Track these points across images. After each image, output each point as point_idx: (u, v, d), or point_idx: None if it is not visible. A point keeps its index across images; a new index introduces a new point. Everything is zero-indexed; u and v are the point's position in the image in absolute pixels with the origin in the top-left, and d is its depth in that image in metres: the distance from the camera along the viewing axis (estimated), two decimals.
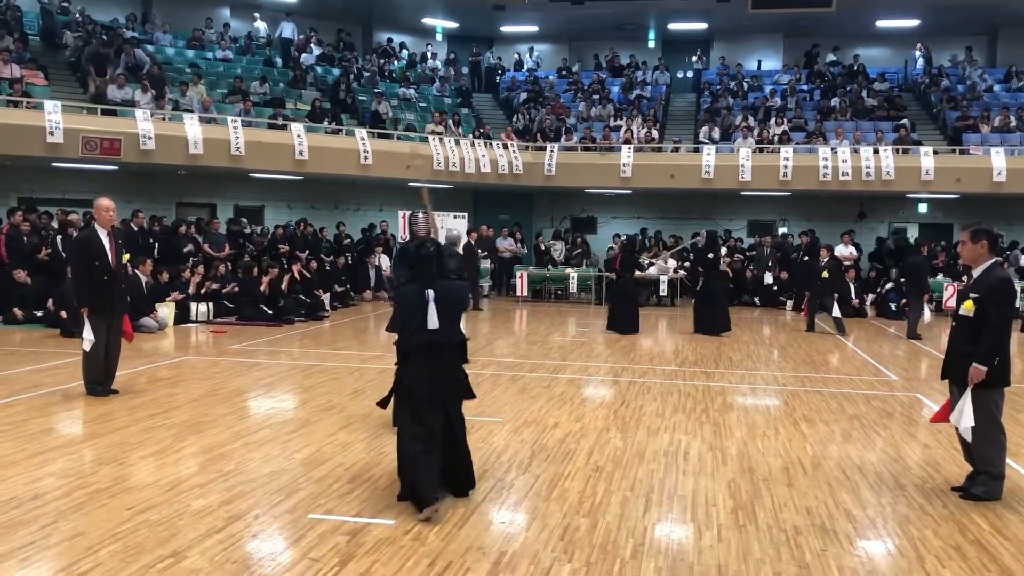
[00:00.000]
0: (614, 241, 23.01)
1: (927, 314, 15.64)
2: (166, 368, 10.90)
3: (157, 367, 10.92)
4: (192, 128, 18.13)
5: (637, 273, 17.66)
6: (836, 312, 15.90)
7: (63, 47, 20.83)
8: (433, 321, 5.69)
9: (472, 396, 5.99)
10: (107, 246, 8.94)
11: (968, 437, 5.94)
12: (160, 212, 19.28)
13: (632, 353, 13.16)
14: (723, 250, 22.12)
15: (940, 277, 20.94)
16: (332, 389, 9.59)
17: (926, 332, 16.27)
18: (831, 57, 27.61)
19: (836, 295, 16.12)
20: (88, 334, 8.79)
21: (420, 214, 6.92)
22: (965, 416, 5.87)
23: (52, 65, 19.96)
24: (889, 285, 20.27)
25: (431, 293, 5.72)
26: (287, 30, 25.43)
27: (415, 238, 6.92)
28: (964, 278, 18.89)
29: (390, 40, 28.23)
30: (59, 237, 15.80)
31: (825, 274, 16.02)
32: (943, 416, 6.28)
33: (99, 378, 8.95)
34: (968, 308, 5.99)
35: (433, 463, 5.57)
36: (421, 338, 5.70)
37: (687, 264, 21.05)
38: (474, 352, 12.93)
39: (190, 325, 15.37)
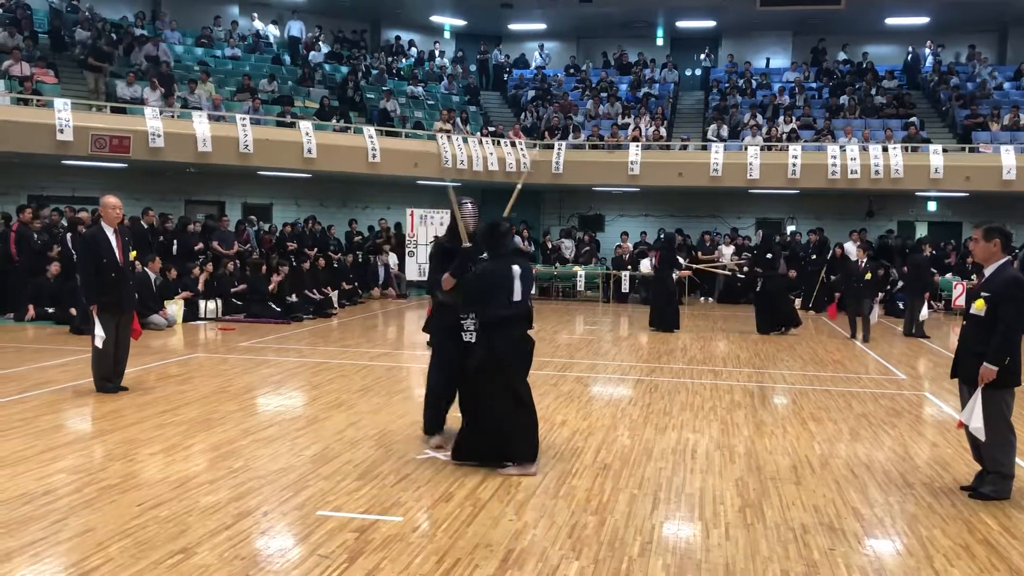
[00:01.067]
0: (622, 239, 23.00)
1: (925, 312, 15.39)
2: (175, 365, 10.94)
3: (166, 364, 10.96)
4: (201, 126, 18.17)
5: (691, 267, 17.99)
6: (875, 317, 14.89)
7: (72, 45, 20.89)
8: (518, 293, 6.33)
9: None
10: (114, 244, 8.98)
11: (981, 436, 5.91)
12: (169, 210, 19.34)
13: (640, 351, 13.15)
14: (728, 250, 22.16)
15: (949, 276, 20.89)
16: (341, 386, 9.61)
17: (930, 330, 16.21)
18: (841, 55, 27.49)
19: (877, 298, 15.08)
20: (99, 331, 8.84)
21: (468, 204, 7.13)
22: (975, 416, 5.85)
23: (62, 63, 20.03)
24: (900, 284, 20.19)
25: (517, 269, 6.35)
26: (294, 28, 25.46)
27: (450, 231, 7.08)
28: (974, 277, 18.80)
29: (398, 38, 28.24)
30: (68, 235, 15.86)
31: (868, 276, 14.96)
32: None
33: (109, 375, 8.99)
34: (979, 307, 5.96)
35: (533, 426, 6.41)
36: (507, 311, 6.30)
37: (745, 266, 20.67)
38: None
39: (199, 322, 15.42)
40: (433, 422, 7.14)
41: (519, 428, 6.34)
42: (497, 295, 6.30)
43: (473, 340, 6.65)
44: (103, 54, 19.73)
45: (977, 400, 5.87)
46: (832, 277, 20.42)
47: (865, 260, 15.32)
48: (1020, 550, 5.08)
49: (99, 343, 8.85)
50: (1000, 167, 20.62)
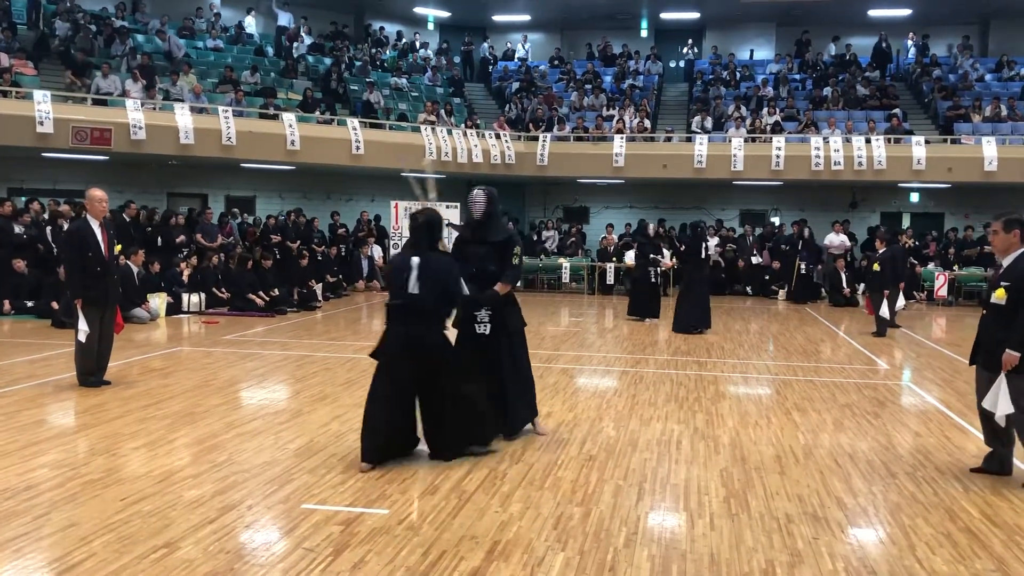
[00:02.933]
0: (607, 231, 23.02)
1: (901, 302, 15.23)
2: (159, 359, 10.88)
3: (149, 358, 10.90)
4: (183, 118, 18.05)
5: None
6: (884, 311, 14.28)
7: (52, 36, 20.69)
8: (413, 286, 6.16)
9: (454, 362, 6.39)
10: (99, 237, 8.90)
11: (1003, 423, 6.06)
12: (151, 202, 19.22)
13: (624, 343, 13.18)
14: (712, 241, 22.14)
15: (931, 266, 21.03)
16: (325, 379, 9.58)
17: (910, 321, 16.32)
18: (832, 49, 27.48)
19: (887, 292, 14.27)
20: (83, 325, 8.78)
21: (478, 191, 7.18)
22: (1001, 402, 5.95)
23: (41, 55, 19.84)
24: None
25: (416, 260, 6.21)
26: (283, 19, 25.29)
27: (470, 217, 7.25)
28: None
29: (382, 28, 28.10)
30: (49, 228, 15.73)
31: (876, 267, 14.53)
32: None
33: (92, 369, 8.93)
34: (1000, 296, 6.08)
35: (386, 421, 6.21)
36: (398, 301, 6.24)
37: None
38: None
39: (182, 316, 15.34)
40: None
41: (366, 427, 6.25)
42: (391, 285, 6.35)
43: (487, 332, 6.96)
44: (84, 64, 19.37)
45: (1002, 386, 5.96)
46: (809, 267, 20.51)
47: (881, 251, 14.66)
48: (1001, 538, 5.12)
49: (82, 337, 8.79)
50: (982, 158, 20.74)
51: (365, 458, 6.18)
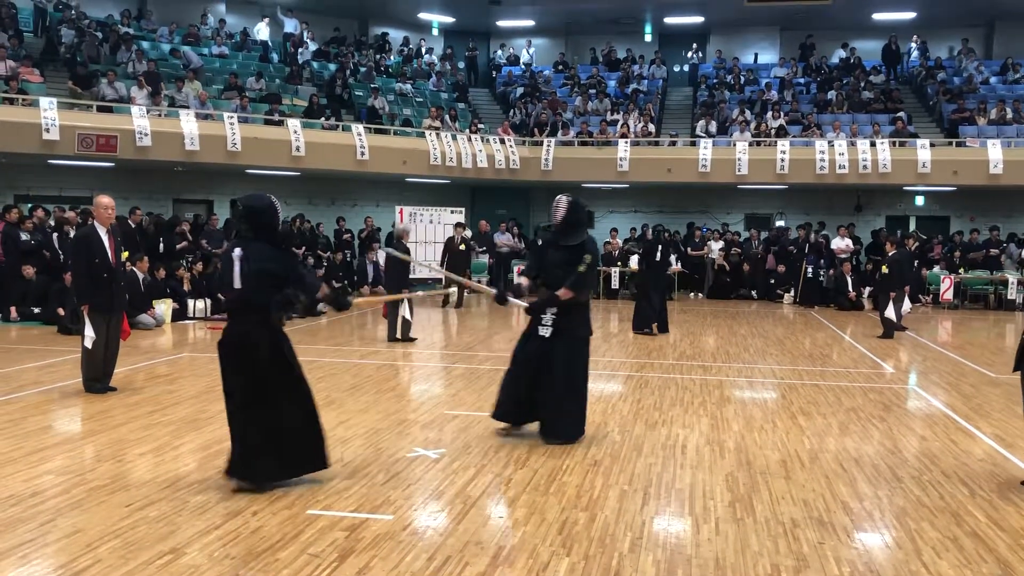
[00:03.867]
0: (611, 235, 23.01)
1: (907, 306, 15.25)
2: (164, 365, 10.90)
3: (155, 364, 10.92)
4: (188, 124, 18.11)
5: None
6: (890, 312, 14.35)
7: (59, 44, 20.78)
8: (237, 281, 5.84)
9: (271, 367, 5.87)
10: (107, 244, 8.92)
11: None
12: (157, 209, 19.28)
13: (629, 347, 13.17)
14: (716, 245, 22.13)
15: (937, 269, 20.98)
16: (330, 385, 9.59)
17: (917, 324, 16.28)
18: (841, 53, 27.45)
19: (893, 294, 14.37)
20: (90, 331, 8.80)
21: (560, 198, 7.40)
22: None
23: (48, 62, 19.92)
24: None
25: (238, 252, 5.87)
26: (289, 26, 25.37)
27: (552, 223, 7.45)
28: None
29: (384, 35, 28.13)
30: (55, 235, 15.78)
31: (885, 269, 14.66)
32: None
33: (98, 375, 8.95)
34: None
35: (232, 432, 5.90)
36: (228, 296, 6.04)
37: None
38: (472, 347, 12.98)
39: (187, 322, 15.36)
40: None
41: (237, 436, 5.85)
42: (222, 280, 6.05)
43: (548, 335, 7.11)
44: (87, 75, 19.40)
45: None
46: (817, 271, 20.50)
47: (891, 253, 14.67)
48: (1007, 542, 5.11)
49: (88, 343, 8.81)
50: (987, 161, 20.70)
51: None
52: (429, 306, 18.59)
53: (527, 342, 7.27)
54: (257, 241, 5.91)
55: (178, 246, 17.36)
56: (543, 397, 7.16)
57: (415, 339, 13.31)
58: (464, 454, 6.79)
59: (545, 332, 7.14)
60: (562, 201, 7.34)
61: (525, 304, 7.48)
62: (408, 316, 13.08)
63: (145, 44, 21.98)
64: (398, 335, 13.18)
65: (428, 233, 21.38)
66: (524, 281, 7.68)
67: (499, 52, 29.50)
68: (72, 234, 15.44)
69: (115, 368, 9.20)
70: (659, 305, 14.74)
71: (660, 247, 14.92)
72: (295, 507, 5.48)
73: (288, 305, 6.01)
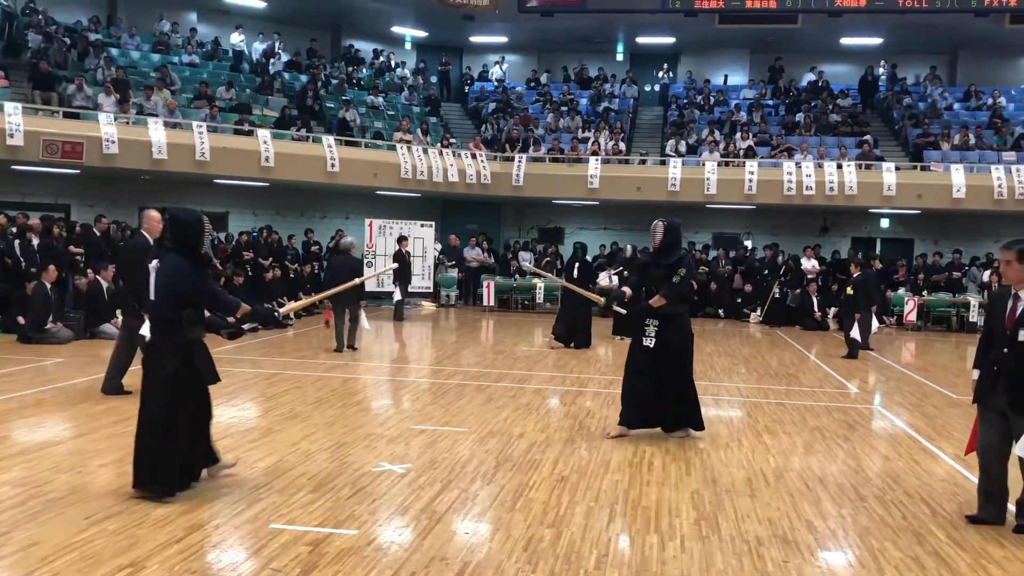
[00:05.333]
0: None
1: (875, 326, 15.49)
2: (127, 376, 10.72)
3: None
4: (156, 133, 17.94)
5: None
6: (855, 333, 14.46)
7: (25, 48, 20.52)
8: (152, 291, 5.96)
9: (155, 378, 5.94)
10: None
11: None
12: (123, 217, 19.03)
13: (597, 364, 13.19)
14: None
15: (902, 291, 21.26)
16: (295, 398, 9.50)
17: (882, 345, 16.48)
18: (810, 76, 27.82)
19: (858, 315, 14.49)
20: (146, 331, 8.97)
21: (657, 223, 8.18)
22: None
23: (13, 67, 19.66)
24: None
25: (155, 263, 5.97)
26: (258, 50, 25.27)
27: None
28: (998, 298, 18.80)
29: (350, 46, 28.05)
30: (17, 242, 15.52)
31: (850, 290, 14.82)
32: (975, 446, 5.93)
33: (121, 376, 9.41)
34: None
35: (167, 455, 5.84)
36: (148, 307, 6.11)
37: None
38: (440, 361, 12.94)
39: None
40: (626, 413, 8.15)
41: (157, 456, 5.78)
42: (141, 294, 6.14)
43: (652, 344, 7.87)
44: (49, 76, 19.17)
45: None
46: (786, 292, 20.73)
47: (856, 275, 14.88)
48: (968, 561, 5.16)
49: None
50: (950, 185, 21.06)
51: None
52: (413, 320, 18.52)
53: (635, 353, 8.08)
54: (175, 254, 5.88)
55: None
56: (663, 404, 8.02)
57: (357, 348, 13.64)
58: (430, 469, 6.75)
59: (649, 343, 7.96)
60: (659, 226, 8.12)
61: (624, 311, 8.57)
62: (367, 325, 13.35)
63: (114, 51, 21.75)
64: (347, 344, 13.57)
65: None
66: (627, 290, 8.50)
67: (467, 69, 29.56)
68: (36, 242, 15.26)
69: (82, 379, 9.07)
70: (582, 321, 14.79)
71: (577, 264, 15.06)
72: (257, 521, 5.41)
73: (201, 322, 6.01)
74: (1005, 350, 5.67)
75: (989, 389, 5.75)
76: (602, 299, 9.53)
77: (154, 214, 9.41)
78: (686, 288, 8.02)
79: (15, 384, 9.75)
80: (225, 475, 6.26)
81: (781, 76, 28.01)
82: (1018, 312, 5.64)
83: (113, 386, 9.29)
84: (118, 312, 14.44)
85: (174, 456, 5.79)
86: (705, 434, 8.38)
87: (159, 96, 19.88)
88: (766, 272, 21.38)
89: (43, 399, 8.82)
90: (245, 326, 6.40)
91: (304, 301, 10.27)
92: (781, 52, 27.96)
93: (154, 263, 5.95)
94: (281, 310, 7.19)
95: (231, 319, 6.27)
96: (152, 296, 5.95)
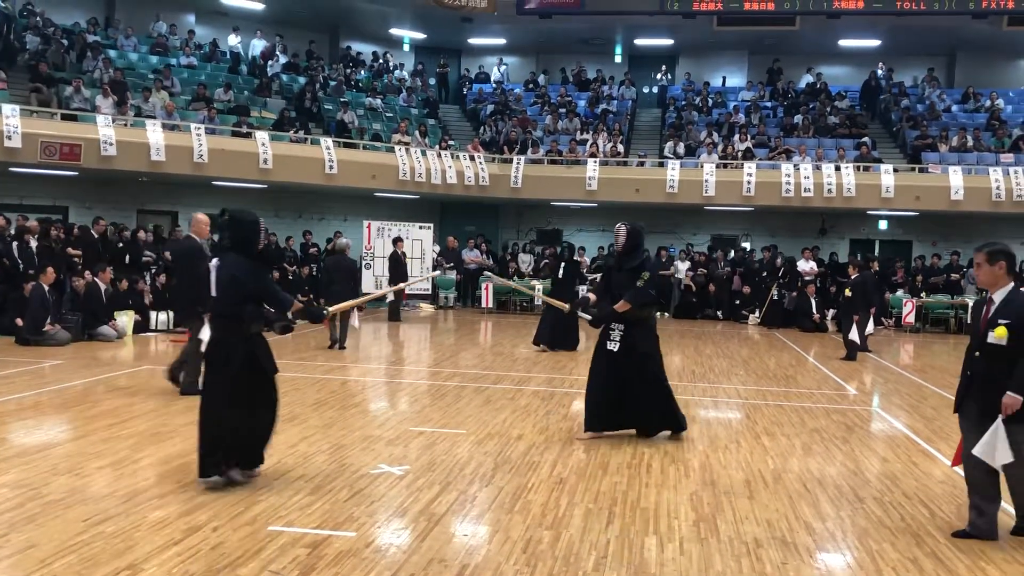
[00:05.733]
0: (579, 254, 23.01)
1: (871, 327, 15.48)
2: (125, 377, 10.73)
3: (115, 376, 10.74)
4: (154, 135, 17.93)
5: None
6: (853, 334, 14.41)
7: (23, 50, 20.51)
8: (214, 289, 6.18)
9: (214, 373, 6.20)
10: (208, 256, 9.60)
11: (998, 467, 5.47)
12: (121, 219, 19.02)
13: None
14: (683, 265, 22.35)
15: (900, 293, 21.27)
16: (294, 399, 9.49)
17: (880, 347, 16.48)
18: (808, 79, 27.84)
19: (856, 316, 14.49)
20: (204, 334, 9.01)
21: (620, 227, 8.12)
22: (1000, 451, 5.34)
23: (11, 69, 19.65)
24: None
25: (215, 261, 6.25)
26: (257, 48, 25.27)
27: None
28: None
29: (348, 48, 28.04)
30: (15, 244, 15.50)
31: (848, 292, 14.83)
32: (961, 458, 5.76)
33: (197, 376, 9.34)
34: (1000, 335, 5.46)
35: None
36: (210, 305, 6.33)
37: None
38: (439, 363, 12.94)
39: (149, 334, 15.15)
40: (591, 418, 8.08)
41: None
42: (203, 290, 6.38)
43: (616, 349, 7.78)
44: (48, 78, 19.16)
45: (999, 434, 5.35)
46: (784, 293, 20.74)
47: (853, 277, 14.84)
48: (966, 563, 5.16)
49: (204, 348, 9.17)
50: (949, 187, 21.08)
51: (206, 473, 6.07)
52: (411, 321, 18.51)
53: (598, 358, 7.99)
54: (235, 253, 6.18)
55: (143, 258, 17.11)
56: (629, 408, 7.95)
57: (345, 347, 13.84)
58: (429, 471, 6.74)
59: (613, 347, 7.87)
60: (622, 229, 8.07)
61: (589, 317, 8.49)
62: (356, 324, 13.59)
63: (112, 53, 21.74)
64: (339, 341, 13.84)
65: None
66: (592, 296, 8.51)
67: (467, 71, 29.59)
68: (34, 244, 15.23)
69: (77, 382, 9.07)
70: (565, 323, 14.43)
71: (564, 264, 15.09)
72: (256, 523, 5.40)
73: (261, 318, 6.27)
74: (976, 353, 5.61)
75: (964, 396, 5.68)
76: (567, 305, 9.81)
77: (202, 217, 9.92)
78: (648, 294, 7.91)
79: (13, 386, 9.74)
80: (249, 479, 6.28)
81: (779, 78, 28.04)
82: (990, 315, 5.58)
83: (189, 385, 9.42)
84: (116, 315, 14.53)
85: (234, 441, 6.09)
86: (703, 436, 8.38)
87: (157, 98, 19.88)
88: (764, 274, 21.38)
89: (41, 401, 8.81)
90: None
91: (353, 302, 10.38)
92: (779, 54, 27.99)
93: (214, 262, 6.23)
94: (330, 309, 7.39)
95: (286, 314, 6.53)
96: (214, 294, 6.19)
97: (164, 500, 5.78)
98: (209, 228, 10.09)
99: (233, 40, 25.27)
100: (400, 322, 18.52)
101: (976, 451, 5.44)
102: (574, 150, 23.90)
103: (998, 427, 5.36)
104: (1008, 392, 5.35)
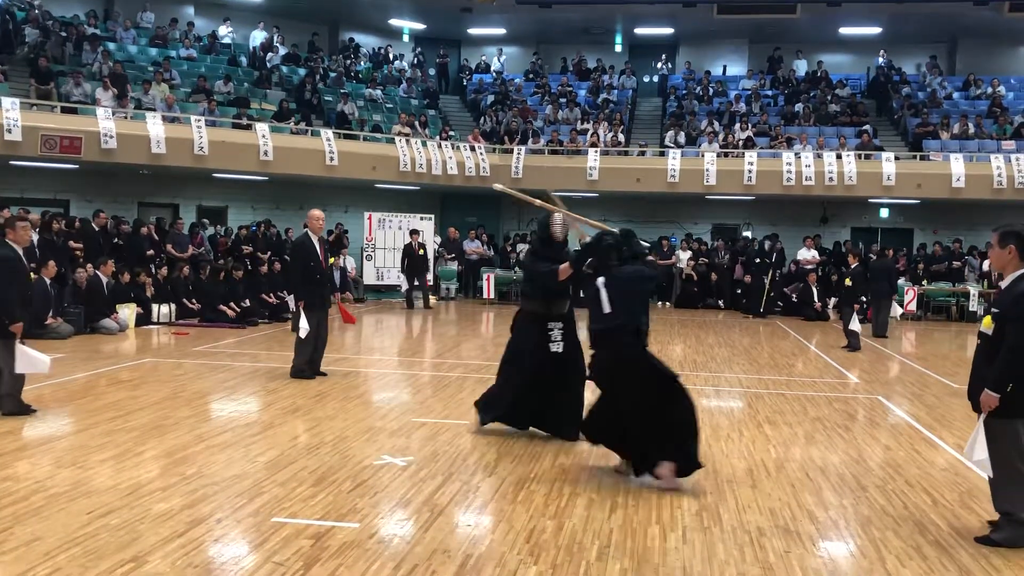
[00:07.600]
0: (579, 243, 23.01)
1: (897, 310, 15.42)
2: (127, 370, 10.74)
3: (118, 369, 10.75)
4: (155, 127, 17.91)
5: None
6: (855, 324, 14.22)
7: (22, 44, 20.47)
8: (606, 306, 6.38)
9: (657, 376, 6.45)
10: (319, 250, 10.31)
11: (985, 472, 5.26)
12: (121, 212, 19.00)
13: None
14: (685, 255, 22.33)
15: (901, 281, 21.25)
16: (296, 391, 9.50)
17: (888, 334, 16.49)
18: (804, 68, 27.76)
19: (857, 306, 14.34)
20: (305, 324, 9.97)
21: (556, 216, 7.88)
22: (977, 448, 5.14)
23: (10, 62, 19.61)
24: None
25: (601, 280, 6.48)
26: (257, 39, 25.21)
27: (552, 240, 7.86)
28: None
29: (351, 40, 27.98)
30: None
31: (848, 282, 14.73)
32: None
33: (307, 363, 10.21)
34: (987, 325, 5.24)
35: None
36: (597, 325, 6.45)
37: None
38: (441, 354, 12.95)
39: (151, 327, 15.16)
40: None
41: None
42: (590, 311, 6.62)
43: (560, 350, 7.38)
44: (47, 72, 19.11)
45: (979, 431, 5.17)
46: (778, 282, 20.67)
47: (853, 266, 14.78)
48: (969, 551, 5.16)
49: (303, 334, 10.02)
50: (950, 175, 21.04)
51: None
52: (399, 312, 18.51)
53: (536, 358, 7.48)
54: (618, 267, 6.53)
55: (146, 251, 17.09)
56: (558, 408, 7.51)
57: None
58: (432, 462, 6.75)
59: (557, 348, 7.49)
60: (558, 218, 7.97)
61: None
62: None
63: (111, 45, 21.70)
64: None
65: (397, 239, 21.25)
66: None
67: (466, 61, 29.51)
68: (35, 238, 15.21)
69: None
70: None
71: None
72: (260, 515, 5.41)
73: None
74: (979, 342, 5.38)
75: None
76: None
77: (317, 213, 10.47)
78: (542, 275, 7.60)
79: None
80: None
81: (780, 66, 27.96)
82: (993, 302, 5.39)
83: (311, 374, 10.23)
84: (118, 308, 14.53)
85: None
86: (705, 425, 8.33)
87: (157, 90, 19.84)
88: (757, 260, 21.14)
89: (43, 394, 8.82)
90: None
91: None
92: (780, 42, 27.90)
93: (600, 281, 6.52)
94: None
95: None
96: (610, 309, 6.38)
97: (168, 492, 5.79)
98: (324, 223, 10.70)
99: (224, 30, 25.17)
100: (415, 309, 18.68)
101: (964, 454, 5.37)
102: (575, 140, 23.86)
103: (979, 424, 5.20)
104: (985, 390, 5.09)
